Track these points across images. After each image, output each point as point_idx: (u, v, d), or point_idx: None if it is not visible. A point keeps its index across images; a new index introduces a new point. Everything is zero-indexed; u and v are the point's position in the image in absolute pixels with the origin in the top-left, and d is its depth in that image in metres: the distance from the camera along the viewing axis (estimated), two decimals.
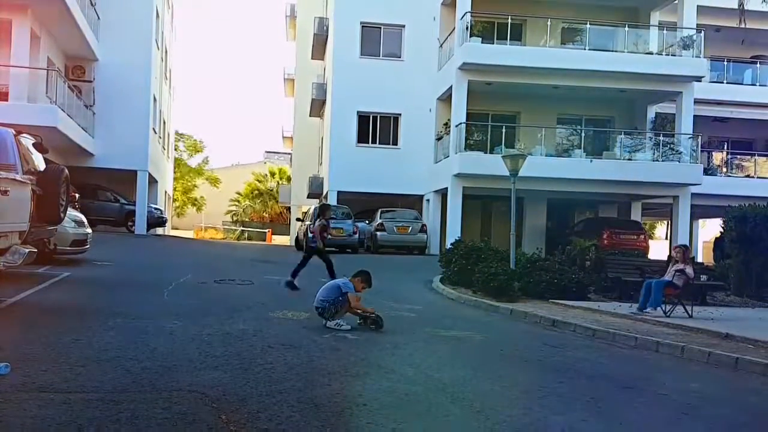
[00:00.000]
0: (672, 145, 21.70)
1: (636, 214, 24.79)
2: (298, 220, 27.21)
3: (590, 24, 21.80)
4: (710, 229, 30.03)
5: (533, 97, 22.59)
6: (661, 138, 22.19)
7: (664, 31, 22.64)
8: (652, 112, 24.01)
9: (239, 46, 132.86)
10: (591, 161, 20.65)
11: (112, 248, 16.11)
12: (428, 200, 24.62)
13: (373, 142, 26.79)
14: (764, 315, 11.33)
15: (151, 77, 25.23)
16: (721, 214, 16.20)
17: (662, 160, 21.49)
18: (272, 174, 56.70)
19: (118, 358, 5.44)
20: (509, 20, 21.53)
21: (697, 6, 22.04)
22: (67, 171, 9.55)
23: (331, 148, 26.83)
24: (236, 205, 57.14)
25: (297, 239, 24.94)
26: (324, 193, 29.08)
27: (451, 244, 14.69)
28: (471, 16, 20.69)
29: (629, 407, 5.14)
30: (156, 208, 26.32)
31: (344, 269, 10.83)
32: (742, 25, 11.01)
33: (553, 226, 24.96)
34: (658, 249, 28.25)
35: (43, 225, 9.04)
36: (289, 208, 43.04)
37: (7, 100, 17.87)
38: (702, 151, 23.78)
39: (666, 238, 29.04)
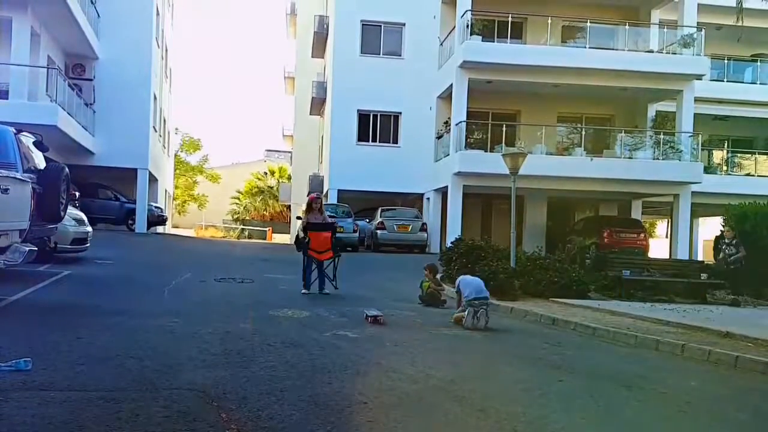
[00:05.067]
0: (672, 144, 21.69)
1: (636, 213, 24.79)
2: (298, 218, 27.15)
3: (591, 22, 21.76)
4: (710, 227, 30.02)
5: (534, 95, 22.57)
6: (662, 136, 22.18)
7: (665, 30, 22.62)
8: (652, 110, 23.99)
9: (239, 44, 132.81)
10: (591, 160, 20.64)
11: (113, 247, 16.11)
12: (428, 198, 24.62)
13: (374, 140, 26.80)
14: (764, 313, 11.35)
15: (151, 75, 25.23)
16: (722, 212, 16.21)
17: (663, 159, 21.47)
18: (272, 172, 56.73)
19: (118, 357, 5.45)
20: (510, 18, 21.50)
21: (698, 4, 22.01)
22: (67, 169, 9.57)
23: (332, 146, 26.84)
24: (237, 203, 57.16)
25: (297, 237, 24.92)
26: (324, 191, 29.08)
27: (452, 242, 14.68)
28: (471, 14, 20.67)
29: (629, 405, 5.15)
30: (156, 207, 26.34)
31: (345, 267, 10.86)
32: (740, 23, 10.97)
33: (553, 224, 24.96)
34: (659, 247, 28.25)
35: (44, 223, 9.06)
36: (289, 207, 43.04)
37: (7, 98, 17.88)
38: (702, 149, 23.76)
39: (666, 237, 29.03)
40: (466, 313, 8.37)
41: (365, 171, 25.74)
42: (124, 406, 4.11)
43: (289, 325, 7.71)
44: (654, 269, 13.57)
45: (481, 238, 15.87)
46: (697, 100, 21.87)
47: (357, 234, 21.17)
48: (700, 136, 21.97)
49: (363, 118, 26.71)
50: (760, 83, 26.60)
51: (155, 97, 26.64)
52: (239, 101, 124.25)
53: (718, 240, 14.03)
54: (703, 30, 21.69)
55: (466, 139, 20.91)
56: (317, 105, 32.96)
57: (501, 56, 20.55)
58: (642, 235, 21.88)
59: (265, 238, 45.97)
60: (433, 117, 24.24)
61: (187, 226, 48.49)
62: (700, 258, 25.09)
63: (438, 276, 10.98)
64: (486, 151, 20.83)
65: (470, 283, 8.85)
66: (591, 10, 22.39)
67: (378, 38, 27.08)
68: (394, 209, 23.49)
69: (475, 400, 4.90)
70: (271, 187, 55.45)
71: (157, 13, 26.86)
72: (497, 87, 21.76)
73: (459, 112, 20.88)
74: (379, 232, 21.73)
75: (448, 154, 21.64)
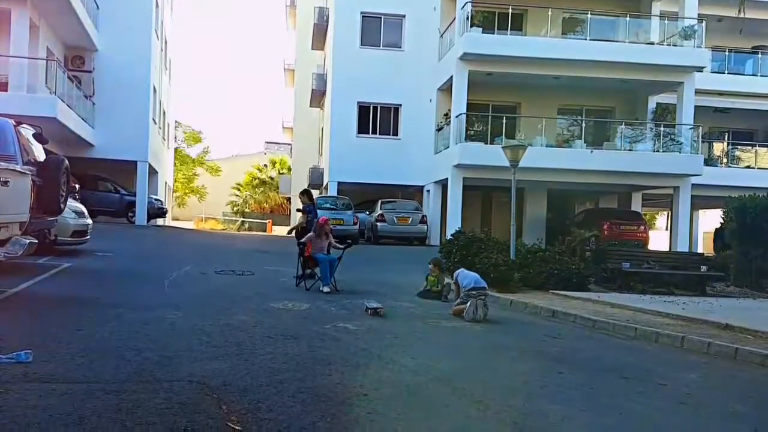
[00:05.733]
0: (673, 136, 21.66)
1: (636, 205, 24.78)
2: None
3: (591, 14, 21.68)
4: (710, 219, 30.03)
5: (534, 87, 22.51)
6: (662, 128, 22.14)
7: (666, 21, 22.52)
8: (653, 102, 23.93)
9: (239, 35, 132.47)
10: (591, 152, 20.62)
11: (113, 239, 16.11)
12: (428, 191, 24.61)
13: (374, 132, 26.72)
14: (764, 305, 11.36)
15: (150, 67, 25.14)
16: (722, 204, 16.20)
17: (663, 151, 21.45)
18: (273, 164, 56.69)
19: (118, 349, 5.46)
20: (510, 10, 21.41)
21: None
22: (67, 162, 9.55)
23: (332, 138, 26.77)
24: (236, 195, 57.14)
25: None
26: (324, 183, 29.05)
27: (452, 234, 14.69)
28: (471, 6, 20.59)
29: (628, 397, 5.16)
30: (156, 199, 26.31)
31: (345, 259, 10.85)
32: (742, 15, 10.94)
33: (553, 216, 24.96)
34: (659, 240, 28.26)
35: (44, 216, 9.05)
36: (289, 199, 43.06)
37: (6, 90, 17.83)
38: (703, 141, 23.70)
39: (666, 229, 29.05)
40: (467, 304, 8.40)
41: (365, 163, 25.70)
42: (125, 397, 4.12)
43: (289, 317, 7.73)
44: (654, 261, 13.58)
45: (481, 230, 15.89)
46: (697, 92, 21.82)
47: (357, 226, 21.17)
48: (700, 128, 21.92)
49: (363, 110, 26.63)
50: (761, 75, 26.54)
51: (155, 89, 26.57)
52: (239, 93, 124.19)
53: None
54: (704, 22, 21.62)
55: (466, 132, 20.86)
56: (317, 97, 32.87)
57: (501, 48, 20.49)
58: (642, 227, 21.90)
59: (265, 231, 45.95)
60: (433, 109, 24.19)
61: (187, 219, 48.47)
62: (700, 250, 25.12)
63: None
64: (486, 143, 20.79)
65: (468, 274, 9.05)
66: (592, 2, 22.28)
67: (378, 30, 26.95)
68: (394, 201, 23.47)
69: (475, 392, 4.92)
70: (272, 179, 55.40)
71: (157, 5, 26.72)
72: (497, 79, 21.71)
73: (459, 104, 20.83)
74: (379, 224, 21.73)
75: (448, 147, 21.61)
